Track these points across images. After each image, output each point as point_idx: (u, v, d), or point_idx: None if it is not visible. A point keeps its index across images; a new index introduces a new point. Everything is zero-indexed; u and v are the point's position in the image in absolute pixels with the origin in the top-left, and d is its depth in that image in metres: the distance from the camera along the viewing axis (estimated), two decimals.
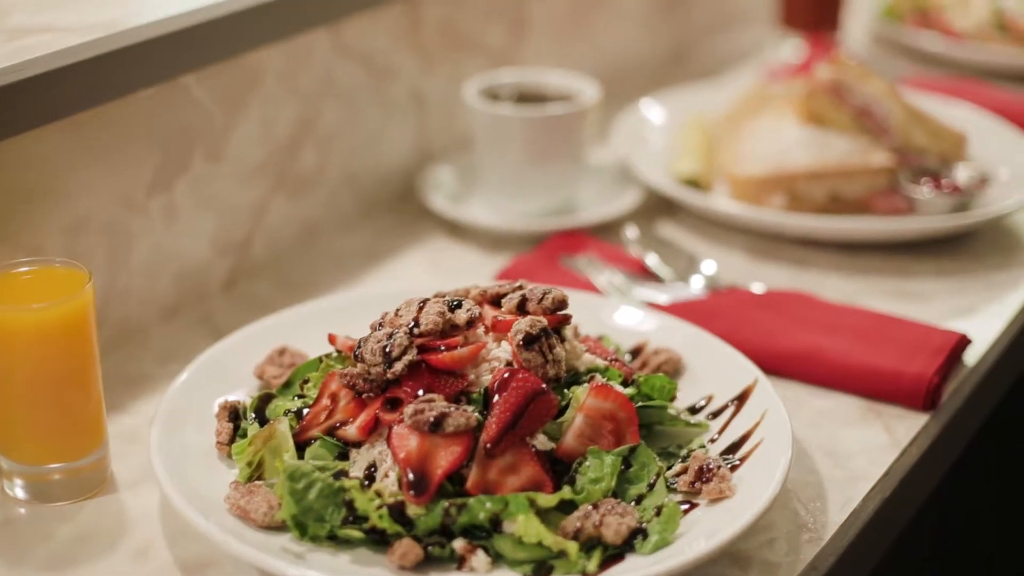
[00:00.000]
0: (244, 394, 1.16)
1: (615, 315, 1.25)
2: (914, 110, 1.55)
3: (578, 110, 1.46)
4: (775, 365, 1.24)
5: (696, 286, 1.35)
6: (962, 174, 1.51)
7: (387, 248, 1.48)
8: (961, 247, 1.47)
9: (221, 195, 1.36)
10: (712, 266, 1.38)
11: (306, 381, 1.13)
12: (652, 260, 1.38)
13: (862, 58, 1.98)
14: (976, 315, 1.35)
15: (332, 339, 1.13)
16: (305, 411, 1.09)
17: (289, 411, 1.10)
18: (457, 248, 1.48)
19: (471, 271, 1.42)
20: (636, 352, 1.21)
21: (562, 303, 1.10)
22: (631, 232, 1.40)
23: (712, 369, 1.18)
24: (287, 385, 1.15)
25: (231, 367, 1.18)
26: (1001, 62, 1.95)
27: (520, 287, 1.13)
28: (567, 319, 1.10)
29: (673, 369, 1.18)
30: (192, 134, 1.31)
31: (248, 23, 1.31)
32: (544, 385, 1.03)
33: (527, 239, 1.48)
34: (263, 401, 1.13)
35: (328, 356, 1.15)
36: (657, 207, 1.55)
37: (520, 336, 1.05)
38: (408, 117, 1.56)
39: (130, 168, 1.26)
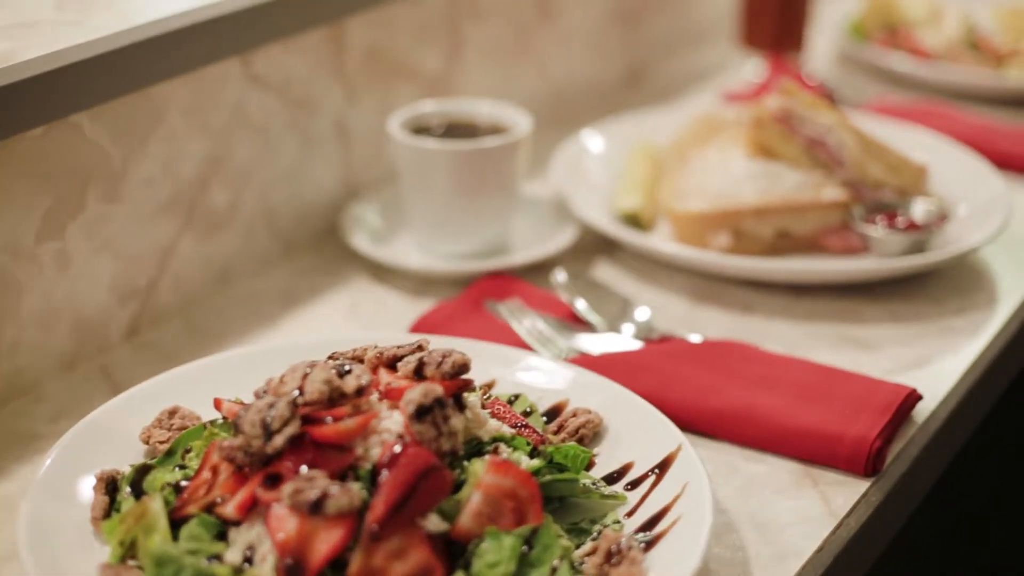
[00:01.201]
0: (132, 460, 1.07)
1: (534, 371, 1.15)
2: (871, 141, 1.46)
3: (508, 142, 1.37)
4: (708, 425, 1.14)
5: (628, 335, 1.26)
6: (920, 210, 1.42)
7: (306, 291, 1.39)
8: (917, 289, 1.38)
9: (120, 238, 1.27)
10: (646, 312, 1.29)
11: (189, 450, 1.05)
12: (581, 306, 1.29)
13: (828, 78, 1.89)
14: (929, 366, 1.25)
15: (218, 404, 1.05)
16: (185, 484, 1.00)
17: (167, 484, 1.01)
18: (380, 291, 1.38)
19: (393, 317, 1.33)
20: (554, 412, 1.12)
21: (463, 367, 1.01)
22: (559, 275, 1.31)
23: (635, 433, 1.09)
24: (169, 453, 1.06)
25: (121, 429, 1.09)
26: (972, 83, 1.86)
27: (420, 347, 1.04)
28: (467, 385, 1.01)
29: (592, 432, 1.09)
30: (85, 175, 1.22)
31: (147, 56, 1.22)
32: (437, 460, 0.94)
33: (455, 281, 1.39)
34: (140, 472, 1.04)
35: (213, 423, 1.06)
36: (596, 245, 1.46)
37: (412, 407, 0.96)
38: (331, 150, 1.47)
39: (16, 213, 1.17)
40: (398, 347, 1.04)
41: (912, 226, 1.39)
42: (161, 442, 1.08)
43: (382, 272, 1.41)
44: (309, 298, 1.37)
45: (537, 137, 1.68)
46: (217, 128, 1.33)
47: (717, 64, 2.00)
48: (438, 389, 0.97)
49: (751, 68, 1.90)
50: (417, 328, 1.28)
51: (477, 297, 1.32)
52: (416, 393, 0.96)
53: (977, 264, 1.43)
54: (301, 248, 1.45)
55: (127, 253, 1.28)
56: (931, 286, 1.38)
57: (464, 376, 1.01)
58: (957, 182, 1.52)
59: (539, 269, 1.41)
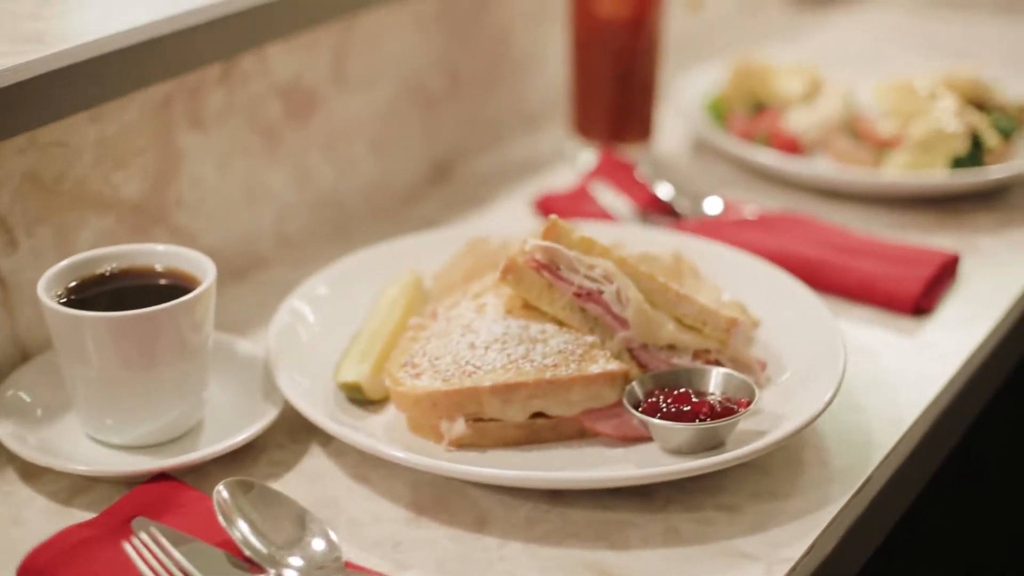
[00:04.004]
0: None
1: None
2: (665, 289, 1.14)
3: (180, 303, 1.06)
4: None
5: (296, 572, 0.95)
6: (720, 384, 1.10)
7: None
8: (707, 493, 1.06)
9: None
10: (323, 542, 0.98)
11: None
12: (241, 533, 0.97)
13: (674, 174, 1.57)
14: None
15: None
16: None
17: None
18: (25, 495, 1.07)
19: (24, 536, 1.02)
20: None
21: None
22: (222, 491, 1.00)
23: None
24: None
25: None
26: (843, 179, 1.54)
27: None
28: None
29: None
30: None
31: None
32: None
33: (123, 482, 1.08)
34: None
35: None
36: (310, 427, 1.14)
37: None
38: None
39: None
40: None
41: (706, 408, 1.07)
42: None
43: (32, 469, 1.10)
44: None
45: (296, 265, 1.40)
46: None
47: (548, 155, 1.68)
48: None
49: (584, 162, 1.59)
50: (27, 567, 0.97)
51: (126, 514, 1.02)
52: None
53: (793, 452, 1.11)
54: None
55: None
56: (726, 488, 1.07)
57: None
58: (783, 335, 1.21)
59: (241, 456, 1.11)
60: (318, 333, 1.21)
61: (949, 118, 1.57)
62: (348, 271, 1.29)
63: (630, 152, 1.59)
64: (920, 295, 1.32)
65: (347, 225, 1.49)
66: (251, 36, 1.29)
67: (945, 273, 1.38)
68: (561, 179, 1.59)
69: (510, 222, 1.49)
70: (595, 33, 1.55)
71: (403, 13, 1.50)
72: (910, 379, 1.22)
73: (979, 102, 1.64)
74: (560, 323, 1.12)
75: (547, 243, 1.12)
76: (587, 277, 1.12)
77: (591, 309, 1.12)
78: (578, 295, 1.12)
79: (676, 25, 1.90)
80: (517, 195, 1.57)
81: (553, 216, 1.14)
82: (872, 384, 1.21)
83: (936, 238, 1.47)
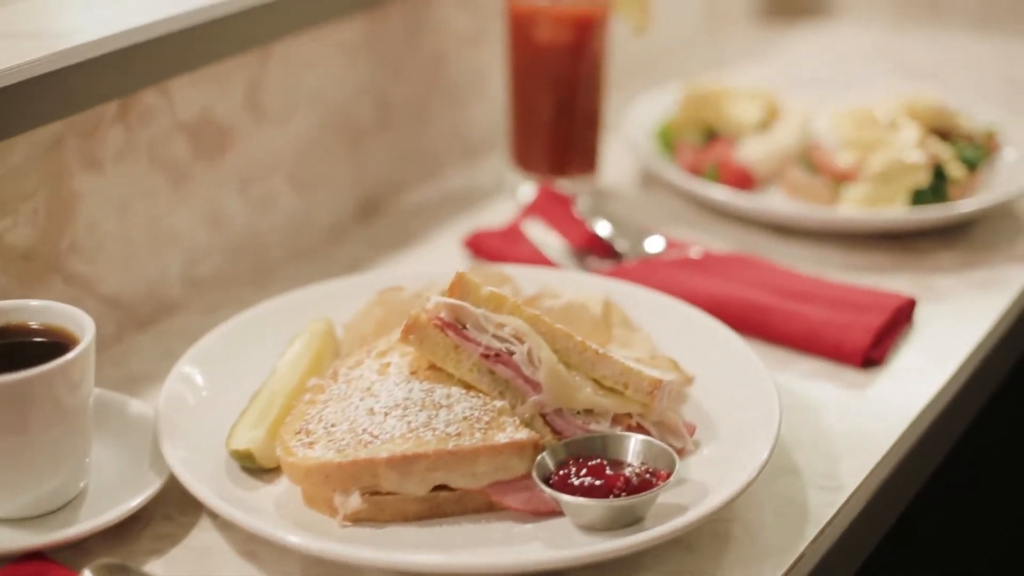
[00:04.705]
0: None
1: None
2: (582, 348, 1.04)
3: (59, 365, 0.97)
4: None
5: None
6: (640, 453, 1.01)
7: None
8: (625, 573, 0.98)
9: None
10: None
11: None
12: None
13: (616, 210, 1.48)
14: None
15: None
16: None
17: None
18: None
19: None
20: None
21: None
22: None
23: None
24: None
25: None
26: (797, 215, 1.45)
27: None
28: None
29: None
30: None
31: None
32: None
33: None
34: None
35: None
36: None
37: None
38: None
39: None
40: None
41: (621, 481, 0.98)
42: None
43: None
44: None
45: (208, 311, 1.31)
46: None
47: (487, 188, 1.59)
48: None
49: (525, 195, 1.50)
50: None
51: None
52: None
53: (721, 525, 1.03)
54: None
55: None
56: (645, 567, 0.97)
57: None
58: (716, 394, 1.12)
59: (125, 529, 1.02)
60: (215, 394, 1.13)
61: (910, 149, 1.48)
62: (256, 321, 1.21)
63: (574, 185, 1.51)
64: (869, 346, 1.23)
65: (266, 267, 1.40)
66: (152, 71, 1.20)
67: (900, 319, 1.29)
68: (501, 214, 1.51)
69: (443, 262, 1.41)
70: (534, 59, 1.47)
71: (326, 39, 1.41)
72: (854, 440, 1.13)
73: (944, 131, 1.56)
74: (468, 387, 1.04)
75: (452, 300, 1.04)
76: (496, 336, 1.04)
77: (500, 371, 1.04)
78: (486, 356, 1.03)
79: (628, 49, 1.81)
80: (452, 232, 1.48)
81: (459, 270, 1.05)
82: (813, 445, 1.13)
83: (893, 280, 1.38)
